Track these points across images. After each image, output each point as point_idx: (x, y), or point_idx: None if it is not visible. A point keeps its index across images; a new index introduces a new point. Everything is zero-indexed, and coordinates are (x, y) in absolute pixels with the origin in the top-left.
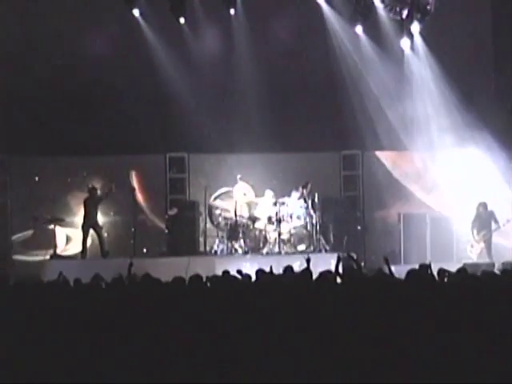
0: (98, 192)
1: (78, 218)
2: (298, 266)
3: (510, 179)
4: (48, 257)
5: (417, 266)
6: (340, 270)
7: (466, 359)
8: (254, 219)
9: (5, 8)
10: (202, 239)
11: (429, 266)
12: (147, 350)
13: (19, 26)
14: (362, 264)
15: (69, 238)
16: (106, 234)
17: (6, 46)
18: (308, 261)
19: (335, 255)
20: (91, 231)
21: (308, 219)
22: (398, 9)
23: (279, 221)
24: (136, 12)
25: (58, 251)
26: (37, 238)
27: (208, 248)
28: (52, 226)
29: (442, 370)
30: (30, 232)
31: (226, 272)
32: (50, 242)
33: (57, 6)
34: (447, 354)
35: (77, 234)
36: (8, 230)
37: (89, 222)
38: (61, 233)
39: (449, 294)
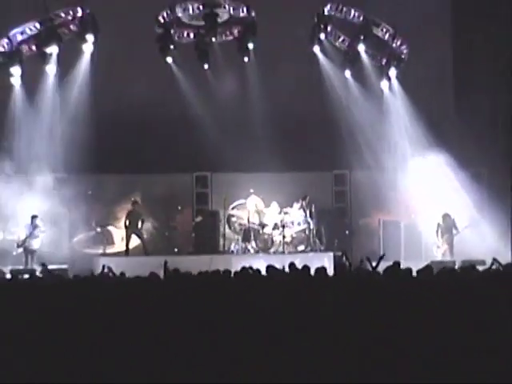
0: (140, 205)
1: (119, 225)
2: (298, 262)
3: (467, 191)
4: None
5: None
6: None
7: (435, 343)
8: (263, 225)
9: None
10: (221, 241)
11: (399, 263)
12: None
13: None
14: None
15: (122, 238)
16: (146, 234)
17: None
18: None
19: (329, 254)
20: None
21: (306, 225)
22: (378, 57)
23: (283, 226)
24: (169, 59)
25: (115, 247)
26: (97, 237)
27: (226, 248)
28: (105, 229)
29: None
30: (92, 233)
31: (242, 268)
32: (107, 240)
33: (108, 58)
34: (415, 336)
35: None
36: (67, 233)
37: (131, 229)
38: (117, 234)
39: (418, 285)
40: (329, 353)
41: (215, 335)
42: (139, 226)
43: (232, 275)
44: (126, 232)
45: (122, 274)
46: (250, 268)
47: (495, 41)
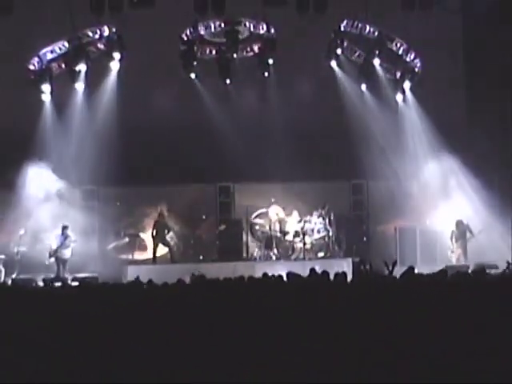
0: (166, 216)
1: (149, 233)
2: (318, 268)
3: (480, 197)
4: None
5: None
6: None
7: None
8: (284, 233)
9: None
10: (244, 248)
11: (413, 268)
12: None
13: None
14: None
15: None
16: (173, 243)
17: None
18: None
19: (348, 260)
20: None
21: (326, 233)
22: (393, 71)
23: (304, 234)
24: (192, 75)
25: (148, 253)
26: (132, 243)
27: (249, 255)
28: (138, 236)
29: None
30: (127, 239)
31: (264, 274)
32: (140, 246)
33: (134, 75)
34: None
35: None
36: (97, 242)
37: (158, 239)
38: (149, 241)
39: (432, 288)
40: (343, 356)
41: (235, 340)
42: (166, 235)
43: (251, 281)
44: (153, 242)
45: (150, 280)
46: (265, 275)
47: (506, 48)
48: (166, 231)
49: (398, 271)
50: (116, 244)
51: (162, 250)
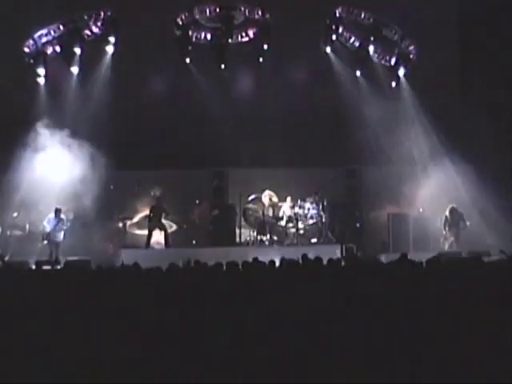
0: (162, 201)
1: (142, 216)
2: (311, 254)
3: (473, 186)
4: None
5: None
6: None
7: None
8: (277, 218)
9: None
10: (237, 233)
11: (406, 255)
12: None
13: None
14: (360, 253)
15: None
16: (172, 228)
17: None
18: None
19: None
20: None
21: (319, 218)
22: (388, 57)
23: (297, 220)
24: (187, 60)
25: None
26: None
27: (242, 240)
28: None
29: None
30: (139, 217)
31: (255, 259)
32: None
33: (129, 58)
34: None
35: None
36: (90, 226)
37: (153, 223)
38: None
39: (425, 275)
40: (337, 342)
41: (228, 325)
42: (162, 219)
43: (245, 266)
44: (149, 225)
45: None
46: (255, 259)
47: (503, 39)
48: (164, 214)
49: (390, 258)
50: (134, 221)
51: (156, 235)
